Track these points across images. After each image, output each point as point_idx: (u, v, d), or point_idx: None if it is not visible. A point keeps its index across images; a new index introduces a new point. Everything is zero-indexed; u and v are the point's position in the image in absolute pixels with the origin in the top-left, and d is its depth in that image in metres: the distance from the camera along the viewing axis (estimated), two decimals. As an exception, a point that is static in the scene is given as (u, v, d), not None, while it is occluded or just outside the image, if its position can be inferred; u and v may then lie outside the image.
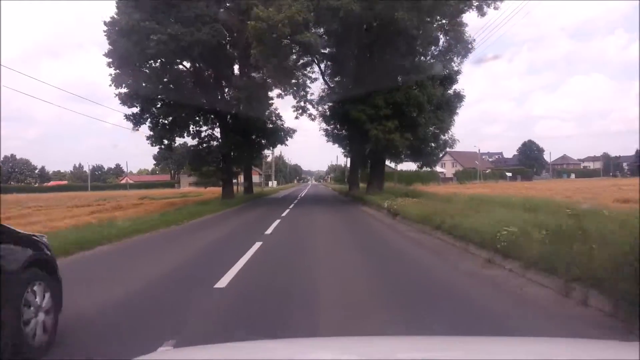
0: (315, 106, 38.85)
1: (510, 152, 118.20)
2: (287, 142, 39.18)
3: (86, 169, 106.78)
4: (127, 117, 28.38)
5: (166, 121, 29.43)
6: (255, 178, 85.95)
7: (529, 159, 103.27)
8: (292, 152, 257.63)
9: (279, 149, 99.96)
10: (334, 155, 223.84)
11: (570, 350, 1.88)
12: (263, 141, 38.82)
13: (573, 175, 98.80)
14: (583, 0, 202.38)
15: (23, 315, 3.57)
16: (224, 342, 2.60)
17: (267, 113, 36.10)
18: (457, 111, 26.15)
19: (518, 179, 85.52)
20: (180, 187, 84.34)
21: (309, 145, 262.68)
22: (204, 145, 31.46)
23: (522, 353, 1.79)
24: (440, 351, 1.87)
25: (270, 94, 37.21)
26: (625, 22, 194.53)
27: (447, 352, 1.86)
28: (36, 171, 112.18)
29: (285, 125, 37.94)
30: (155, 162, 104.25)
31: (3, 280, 3.37)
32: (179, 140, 35.14)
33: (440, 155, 28.73)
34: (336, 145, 40.08)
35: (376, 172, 27.77)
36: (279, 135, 38.34)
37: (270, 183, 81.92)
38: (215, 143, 31.78)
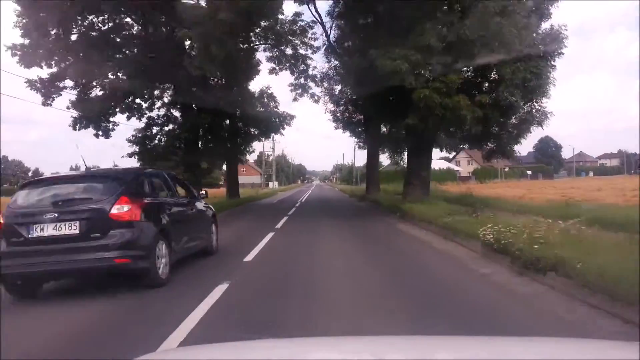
0: (320, 84, 27.99)
1: (519, 148, 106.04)
2: (282, 132, 28.19)
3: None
4: (31, 83, 17.25)
5: (96, 93, 18.37)
6: (255, 178, 75.25)
7: (546, 156, 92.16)
8: (296, 151, 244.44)
9: (280, 148, 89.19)
10: (340, 154, 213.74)
11: (571, 350, 1.72)
12: (252, 129, 27.87)
13: (591, 173, 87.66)
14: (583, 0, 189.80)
15: (212, 234, 8.38)
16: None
17: (253, 90, 25.11)
18: (553, 62, 14.49)
19: (539, 177, 74.83)
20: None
21: (314, 146, 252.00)
22: (155, 129, 19.95)
23: (523, 353, 1.66)
24: (448, 351, 1.75)
25: (260, 66, 26.30)
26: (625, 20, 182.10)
27: (454, 352, 1.74)
28: (29, 173, 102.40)
29: (280, 110, 27.01)
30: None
31: (210, 219, 8.53)
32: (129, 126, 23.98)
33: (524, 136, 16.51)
34: (347, 133, 29.24)
35: (418, 165, 15.98)
36: (273, 121, 27.34)
37: (271, 184, 70.82)
38: (174, 127, 20.35)
